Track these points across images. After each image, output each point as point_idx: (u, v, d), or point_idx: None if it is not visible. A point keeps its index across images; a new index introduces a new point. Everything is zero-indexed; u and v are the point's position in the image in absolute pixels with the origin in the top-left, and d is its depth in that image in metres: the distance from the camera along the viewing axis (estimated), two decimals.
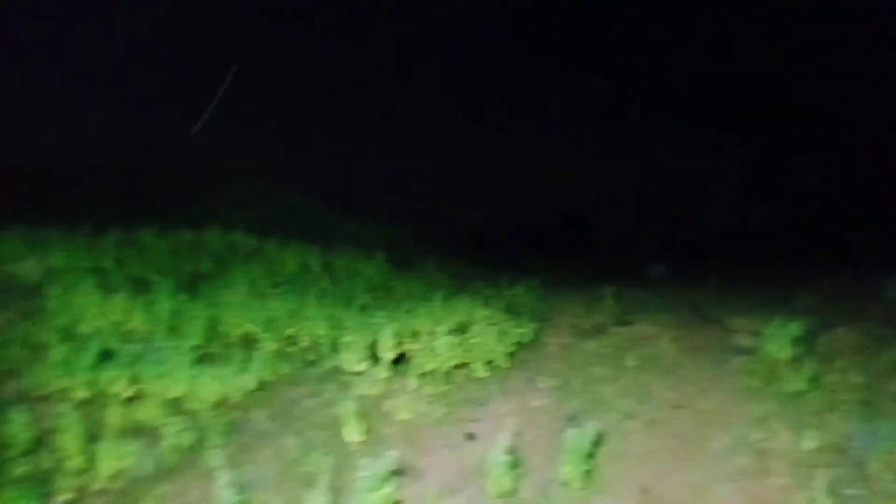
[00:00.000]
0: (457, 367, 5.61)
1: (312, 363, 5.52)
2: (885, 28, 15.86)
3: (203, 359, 5.27)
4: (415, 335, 5.99)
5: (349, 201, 14.08)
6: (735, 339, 7.01)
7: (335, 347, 5.68)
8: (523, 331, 6.86)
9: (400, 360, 5.59)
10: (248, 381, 4.70)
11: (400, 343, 5.69)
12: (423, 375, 5.23)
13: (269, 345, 5.70)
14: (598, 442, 4.20)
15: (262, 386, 4.91)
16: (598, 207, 20.22)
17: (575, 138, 20.71)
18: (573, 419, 4.90)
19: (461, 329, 6.81)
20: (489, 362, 5.83)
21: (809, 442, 3.99)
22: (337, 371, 5.11)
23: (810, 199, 17.10)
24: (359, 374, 5.01)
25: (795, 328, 5.57)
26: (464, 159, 20.07)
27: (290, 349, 5.78)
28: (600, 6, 19.72)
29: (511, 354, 6.27)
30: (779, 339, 5.59)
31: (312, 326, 6.07)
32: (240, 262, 8.15)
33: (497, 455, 3.88)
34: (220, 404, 4.58)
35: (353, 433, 4.02)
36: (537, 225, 19.65)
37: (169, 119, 14.52)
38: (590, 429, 3.88)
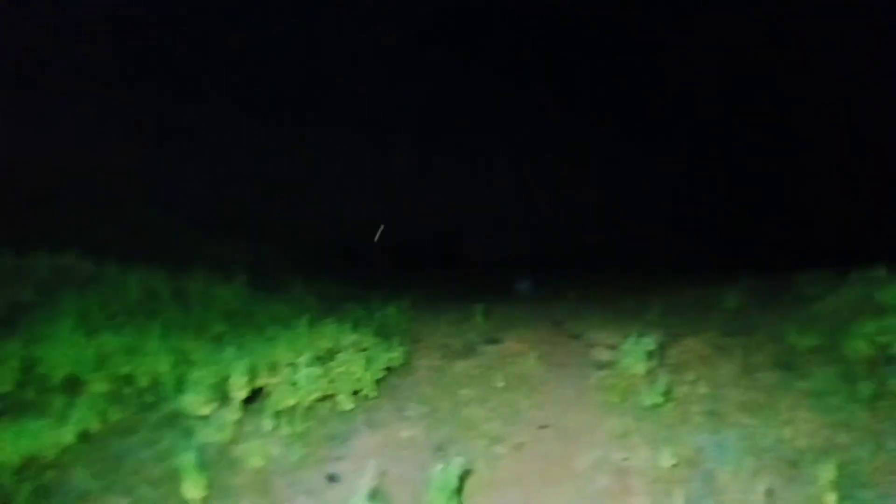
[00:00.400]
0: (320, 399, 5.22)
1: (151, 406, 4.86)
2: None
3: (11, 409, 4.44)
4: (273, 367, 5.51)
5: (207, 220, 13.08)
6: (594, 353, 7.21)
7: (180, 387, 5.06)
8: (393, 355, 6.59)
9: (255, 397, 5.10)
10: (67, 433, 3.99)
11: (255, 378, 5.20)
12: (279, 413, 4.78)
13: (97, 387, 4.96)
14: (464, 475, 4.02)
15: (85, 438, 4.21)
16: (471, 223, 20.58)
17: (451, 155, 20.92)
18: (440, 449, 4.70)
19: (327, 357, 6.40)
20: (356, 392, 5.50)
21: (666, 458, 4.07)
22: (179, 415, 4.52)
23: (662, 212, 18.51)
24: (204, 417, 4.46)
25: (648, 342, 5.79)
26: (335, 175, 19.57)
27: (125, 391, 5.07)
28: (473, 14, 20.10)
29: (380, 381, 5.98)
30: (634, 354, 5.77)
31: (153, 363, 5.39)
32: (71, 290, 7.15)
33: (359, 500, 3.56)
34: (28, 465, 3.84)
35: (193, 488, 3.51)
36: (411, 241, 19.59)
37: None
38: (456, 462, 3.67)
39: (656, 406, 5.17)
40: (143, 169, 12.82)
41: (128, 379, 5.28)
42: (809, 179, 15.21)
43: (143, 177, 12.56)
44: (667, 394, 5.21)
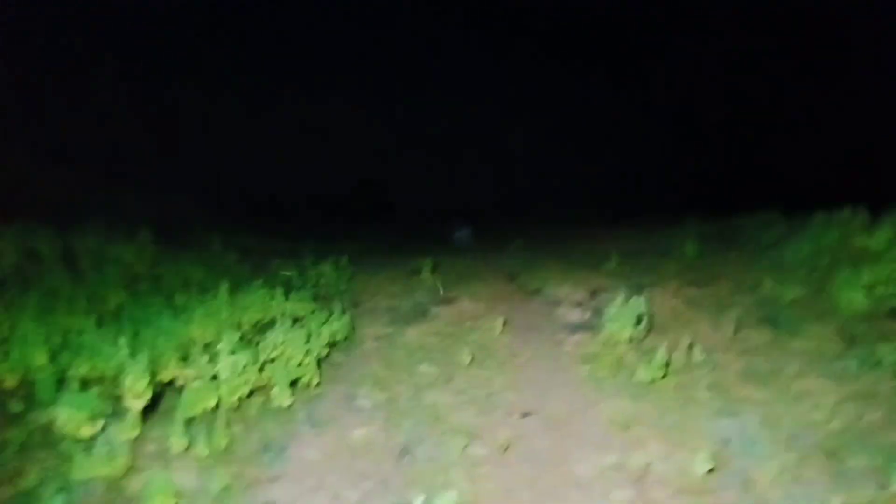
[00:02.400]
0: (249, 395, 4.03)
1: (16, 419, 3.51)
2: None
3: None
4: (184, 355, 4.24)
5: (104, 169, 11.10)
6: (562, 313, 6.34)
7: (59, 386, 3.73)
8: (335, 326, 5.44)
9: (160, 398, 3.85)
10: None
11: (160, 372, 3.93)
12: (193, 423, 3.56)
13: None
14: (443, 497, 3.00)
15: None
16: (397, 172, 19.23)
17: (372, 100, 19.29)
18: (406, 453, 3.66)
19: (255, 334, 5.18)
20: (294, 381, 4.33)
21: (696, 460, 3.20)
22: (53, 433, 3.24)
23: (599, 156, 17.77)
24: (87, 440, 3.19)
25: (638, 304, 4.91)
26: (256, 122, 17.59)
27: None
28: None
29: (322, 361, 4.84)
30: (622, 318, 4.89)
31: (24, 354, 3.99)
32: None
33: None
34: None
35: None
36: (336, 192, 18.12)
37: None
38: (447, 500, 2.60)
39: (654, 381, 4.33)
40: (27, 112, 10.60)
41: None
42: (747, 118, 14.84)
43: (26, 121, 10.36)
44: (665, 365, 4.37)
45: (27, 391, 3.80)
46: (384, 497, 3.20)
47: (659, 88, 16.96)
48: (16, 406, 3.62)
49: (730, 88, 15.47)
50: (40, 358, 4.01)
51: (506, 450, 3.67)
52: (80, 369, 3.89)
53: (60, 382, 3.80)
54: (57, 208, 8.38)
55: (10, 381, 3.85)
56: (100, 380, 3.85)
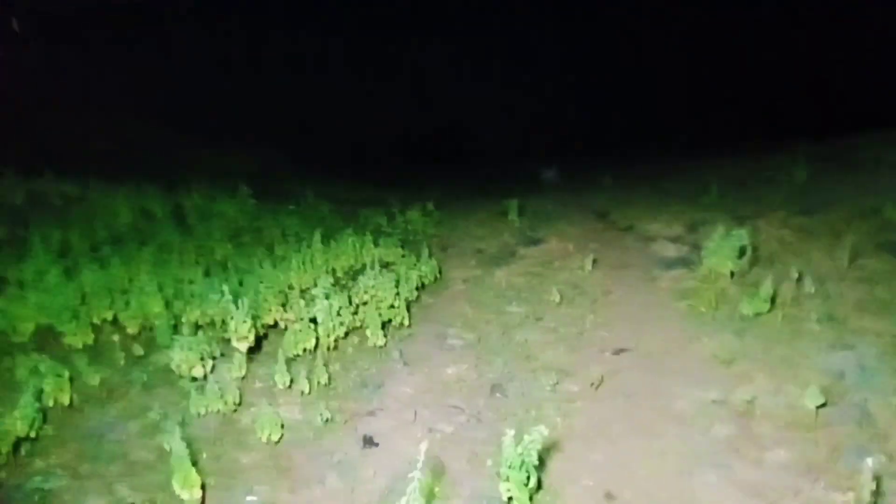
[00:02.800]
0: (345, 336, 4.18)
1: (139, 361, 3.85)
2: None
3: None
4: (284, 301, 4.45)
5: (205, 129, 11.65)
6: (656, 248, 6.05)
7: (175, 330, 4.04)
8: (423, 269, 5.49)
9: (264, 340, 4.08)
10: (24, 415, 2.99)
11: (262, 316, 4.15)
12: (294, 362, 3.75)
13: (74, 340, 3.95)
14: (546, 450, 2.99)
15: (50, 416, 3.23)
16: (481, 115, 18.86)
17: (454, 46, 18.82)
18: (497, 390, 3.67)
19: (347, 279, 5.36)
20: (387, 322, 4.45)
21: (806, 394, 2.98)
22: (171, 372, 3.52)
23: (693, 83, 16.52)
24: (199, 380, 3.44)
25: (740, 236, 4.56)
26: (336, 74, 17.75)
27: (108, 342, 4.06)
28: None
29: (412, 304, 4.93)
30: (722, 251, 4.58)
31: (143, 303, 4.33)
32: (48, 220, 6.05)
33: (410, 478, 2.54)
34: None
35: (185, 484, 2.54)
36: (421, 136, 18.10)
37: None
38: (535, 435, 2.54)
39: (759, 315, 4.06)
40: (131, 78, 11.25)
41: (112, 326, 4.25)
42: (857, 35, 13.14)
43: (131, 86, 11.02)
44: (772, 298, 4.07)
45: (147, 336, 4.14)
46: (476, 431, 3.25)
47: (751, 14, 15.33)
48: (138, 349, 3.96)
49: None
50: (157, 306, 4.34)
51: (598, 386, 3.60)
52: (192, 315, 4.17)
53: (175, 327, 4.11)
54: (165, 169, 8.94)
55: (132, 327, 4.21)
56: (210, 324, 4.12)
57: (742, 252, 4.54)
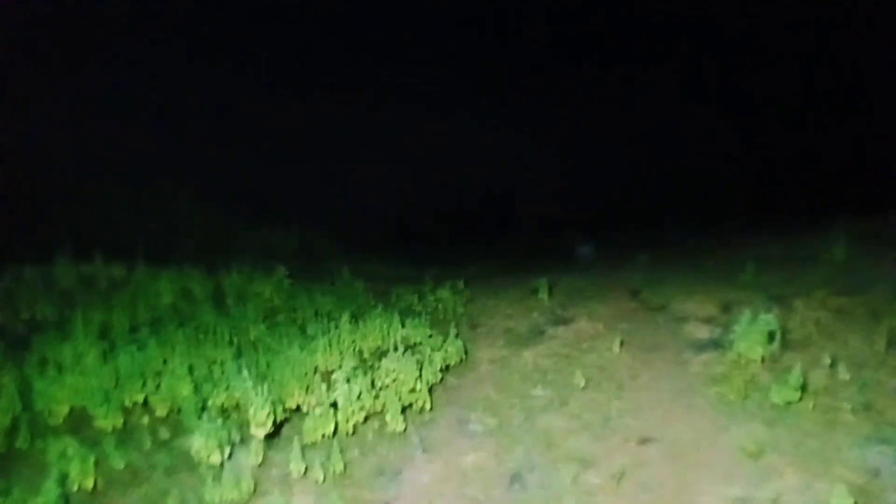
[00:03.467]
0: (365, 420, 4.20)
1: (164, 445, 3.95)
2: None
3: None
4: (307, 384, 4.52)
5: (248, 207, 12.23)
6: (689, 330, 5.92)
7: (202, 414, 4.13)
8: (449, 350, 5.50)
9: (284, 425, 4.13)
10: (48, 499, 3.08)
11: (284, 401, 4.22)
12: (312, 448, 3.77)
13: (105, 423, 4.08)
14: None
15: (66, 501, 3.31)
16: (523, 187, 19.18)
17: (497, 119, 19.43)
18: (517, 480, 3.59)
19: (372, 361, 5.41)
20: (408, 406, 4.45)
21: (827, 489, 2.82)
22: (191, 458, 3.59)
23: (736, 158, 16.50)
24: (216, 467, 3.49)
25: (768, 320, 4.46)
26: (380, 148, 18.48)
27: (137, 424, 4.18)
28: None
29: (436, 386, 4.92)
30: (751, 335, 4.47)
31: (174, 385, 4.47)
32: (95, 301, 6.38)
33: None
34: None
35: None
36: (463, 209, 18.45)
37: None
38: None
39: (790, 404, 3.90)
40: (175, 157, 12.01)
41: (143, 408, 4.39)
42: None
43: (176, 165, 11.74)
44: (803, 386, 3.92)
45: (175, 418, 4.25)
46: None
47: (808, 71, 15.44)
48: (165, 433, 4.06)
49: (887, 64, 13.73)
50: (186, 388, 4.47)
51: (621, 478, 3.48)
52: (218, 399, 4.28)
53: (203, 410, 4.21)
54: (208, 248, 9.36)
55: (161, 410, 4.33)
56: (235, 408, 4.21)
57: (772, 336, 4.41)
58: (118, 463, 3.62)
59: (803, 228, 9.86)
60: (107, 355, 4.96)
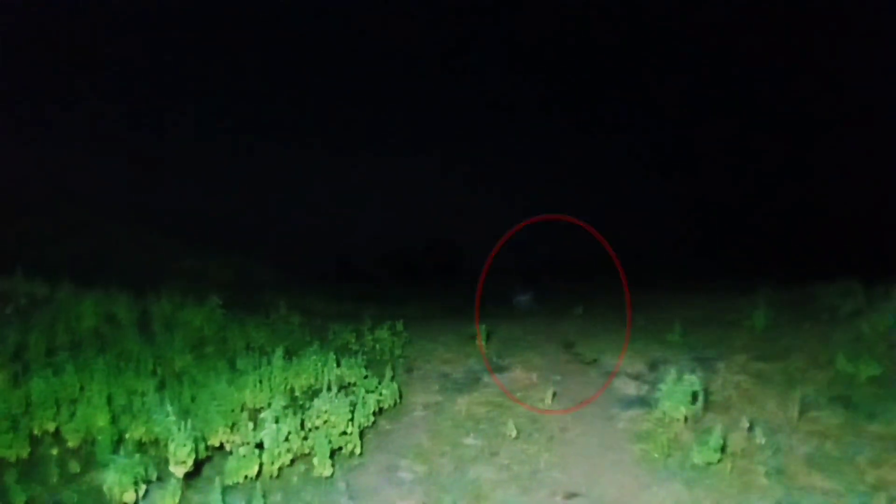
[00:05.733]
0: (291, 463, 4.08)
1: (73, 479, 3.71)
2: None
3: None
4: (233, 423, 4.37)
5: (184, 232, 11.88)
6: (618, 385, 6.09)
7: (117, 447, 3.92)
8: (384, 393, 5.45)
9: (207, 463, 3.96)
10: None
11: (209, 436, 4.07)
12: (232, 490, 3.63)
13: (9, 453, 3.81)
14: None
15: None
16: (467, 233, 19.46)
17: (447, 165, 19.81)
18: None
19: (304, 400, 5.29)
20: (338, 450, 4.36)
21: None
22: (102, 495, 3.38)
23: (668, 224, 17.37)
24: None
25: (692, 381, 4.66)
26: (326, 186, 18.46)
27: (46, 455, 3.92)
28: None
29: (368, 429, 4.85)
30: (675, 395, 4.65)
31: (88, 415, 4.23)
32: (13, 318, 6.00)
33: None
34: None
35: None
36: (406, 251, 18.50)
37: None
38: None
39: (710, 465, 4.06)
40: (109, 180, 11.64)
41: (53, 438, 4.12)
42: (822, 187, 14.17)
43: (110, 189, 11.36)
44: (722, 448, 4.09)
45: (88, 451, 4.01)
46: None
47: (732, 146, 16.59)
48: (75, 466, 3.82)
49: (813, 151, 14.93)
50: (102, 419, 4.24)
51: None
52: (136, 432, 4.08)
53: (119, 444, 3.99)
54: (139, 272, 9.00)
55: (73, 441, 4.08)
56: (153, 443, 4.02)
57: (695, 397, 4.61)
58: (18, 498, 3.37)
59: (727, 292, 10.40)
60: (18, 378, 4.66)
